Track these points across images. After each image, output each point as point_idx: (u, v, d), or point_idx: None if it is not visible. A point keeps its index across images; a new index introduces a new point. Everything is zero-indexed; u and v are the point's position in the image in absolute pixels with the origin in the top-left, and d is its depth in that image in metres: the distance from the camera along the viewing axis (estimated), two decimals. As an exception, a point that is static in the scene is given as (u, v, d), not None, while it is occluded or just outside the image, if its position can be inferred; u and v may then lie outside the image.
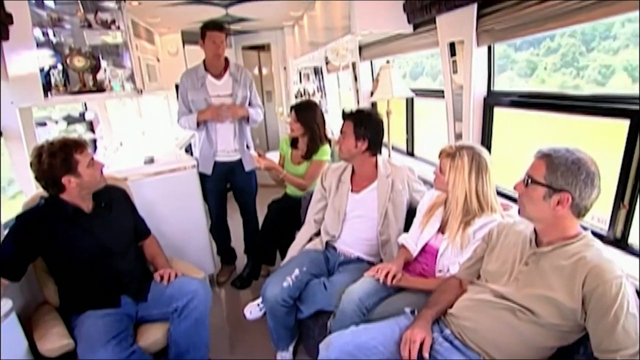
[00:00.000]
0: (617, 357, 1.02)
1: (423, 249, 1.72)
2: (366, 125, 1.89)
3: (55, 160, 1.56)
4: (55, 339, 1.50)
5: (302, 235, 2.16)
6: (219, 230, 2.91)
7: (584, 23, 1.41)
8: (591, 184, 1.11)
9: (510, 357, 1.22)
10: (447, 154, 1.58)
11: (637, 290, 1.09)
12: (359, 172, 2.00)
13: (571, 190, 1.12)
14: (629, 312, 1.02)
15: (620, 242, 1.47)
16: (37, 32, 2.11)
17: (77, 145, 1.62)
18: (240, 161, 2.72)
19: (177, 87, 3.88)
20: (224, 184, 2.81)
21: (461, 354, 1.26)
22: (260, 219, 2.79)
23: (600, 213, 1.52)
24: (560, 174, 1.12)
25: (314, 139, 2.59)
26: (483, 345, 1.25)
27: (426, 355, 1.27)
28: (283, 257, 2.67)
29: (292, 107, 2.68)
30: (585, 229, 1.20)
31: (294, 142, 2.72)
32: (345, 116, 1.97)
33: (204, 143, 2.65)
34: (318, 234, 2.13)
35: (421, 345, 1.28)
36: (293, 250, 2.12)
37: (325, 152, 2.62)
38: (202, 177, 2.71)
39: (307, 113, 2.60)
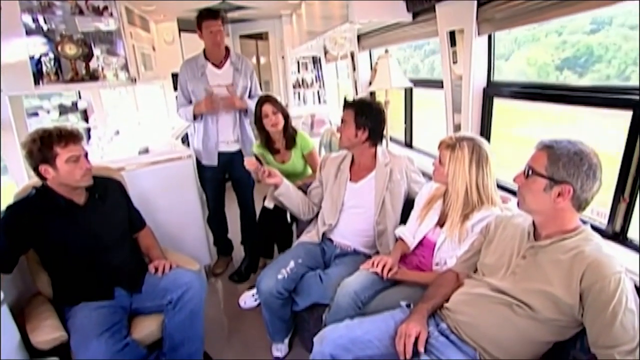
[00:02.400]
0: (615, 353, 1.00)
1: (420, 242, 1.71)
2: (367, 115, 1.86)
3: (34, 147, 1.53)
4: (48, 331, 1.49)
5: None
6: (216, 221, 2.89)
7: (585, 12, 1.39)
8: (593, 176, 1.09)
9: (507, 351, 1.21)
10: (447, 145, 1.54)
11: (636, 286, 1.07)
12: (358, 162, 1.98)
13: (572, 182, 1.09)
14: (627, 308, 1.01)
15: (619, 236, 1.46)
16: (27, 18, 2.07)
17: (60, 138, 1.56)
18: (239, 151, 2.69)
19: (173, 76, 3.86)
20: (222, 174, 2.78)
21: (457, 348, 1.25)
22: (258, 212, 2.76)
23: (599, 207, 1.51)
24: (562, 165, 1.10)
25: (287, 126, 2.49)
26: (479, 339, 1.24)
27: (421, 349, 1.26)
28: (280, 250, 2.66)
29: (264, 101, 2.45)
30: (584, 222, 1.18)
31: (269, 145, 2.55)
32: (347, 105, 1.93)
33: (204, 135, 2.60)
34: (310, 222, 2.13)
35: (416, 339, 1.27)
36: (282, 193, 2.04)
37: (307, 139, 2.57)
38: (201, 167, 2.68)
39: (278, 102, 2.48)
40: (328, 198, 2.01)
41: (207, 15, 2.43)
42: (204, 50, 2.55)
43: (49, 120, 2.52)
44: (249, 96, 2.66)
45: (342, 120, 1.91)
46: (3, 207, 1.67)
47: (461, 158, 1.50)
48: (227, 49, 2.58)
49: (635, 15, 1.26)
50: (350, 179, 1.98)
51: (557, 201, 1.12)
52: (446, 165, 1.54)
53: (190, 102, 2.58)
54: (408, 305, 1.43)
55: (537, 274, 1.17)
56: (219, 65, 2.55)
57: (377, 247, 1.93)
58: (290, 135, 2.52)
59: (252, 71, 2.66)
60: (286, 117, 2.49)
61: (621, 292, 1.01)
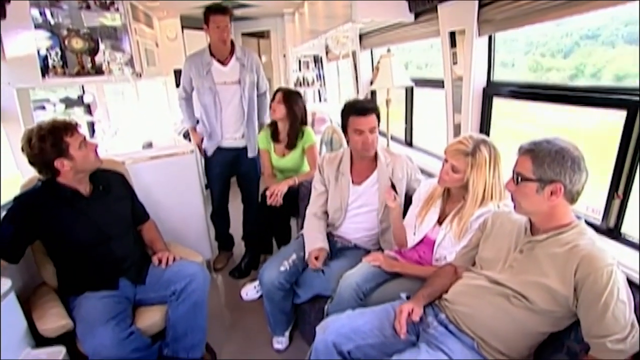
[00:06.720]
0: (607, 342, 1.04)
1: (421, 240, 1.73)
2: None
3: (45, 144, 1.55)
4: (54, 320, 1.52)
5: (314, 232, 1.97)
6: (219, 216, 2.91)
7: (586, 12, 1.41)
8: (578, 168, 1.13)
9: (504, 341, 1.24)
10: (466, 154, 1.52)
11: (628, 279, 1.11)
12: (359, 163, 1.96)
13: (561, 179, 1.13)
14: (619, 299, 1.05)
15: (614, 232, 1.49)
16: (35, 12, 2.09)
17: (66, 128, 1.59)
18: (245, 148, 2.71)
19: (176, 72, 3.87)
20: (229, 170, 2.79)
21: (456, 338, 1.29)
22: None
23: (594, 204, 1.54)
24: (547, 165, 1.13)
25: (295, 125, 2.53)
26: (477, 330, 1.28)
27: (416, 319, 1.33)
28: (279, 245, 2.68)
29: (279, 89, 2.57)
30: (579, 217, 1.22)
31: (274, 134, 2.61)
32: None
33: (210, 130, 2.64)
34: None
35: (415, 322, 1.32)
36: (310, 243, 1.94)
37: (310, 134, 2.60)
38: (208, 163, 2.71)
39: (292, 98, 2.52)
40: (332, 201, 1.99)
41: (215, 10, 2.43)
42: (209, 46, 2.54)
43: (53, 113, 2.54)
44: (257, 90, 2.67)
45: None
46: (4, 201, 1.71)
47: (483, 163, 1.50)
48: (232, 45, 2.57)
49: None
50: (353, 182, 1.95)
51: (551, 199, 1.16)
52: (467, 172, 1.52)
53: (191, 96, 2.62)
54: (408, 297, 1.46)
55: (534, 267, 1.20)
56: (224, 62, 2.55)
57: (380, 244, 1.96)
58: (292, 136, 2.54)
59: (258, 65, 2.66)
60: (291, 113, 2.49)
61: (613, 284, 1.05)
